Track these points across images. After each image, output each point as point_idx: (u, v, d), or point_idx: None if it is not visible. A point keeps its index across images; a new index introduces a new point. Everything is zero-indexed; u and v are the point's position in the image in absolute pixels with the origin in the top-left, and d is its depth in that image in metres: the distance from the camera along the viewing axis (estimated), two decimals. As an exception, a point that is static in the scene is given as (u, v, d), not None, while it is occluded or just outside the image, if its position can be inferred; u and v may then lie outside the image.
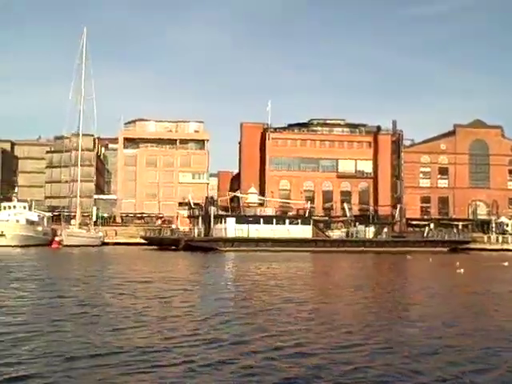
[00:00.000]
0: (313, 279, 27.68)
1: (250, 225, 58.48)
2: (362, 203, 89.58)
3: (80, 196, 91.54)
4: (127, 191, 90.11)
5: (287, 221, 60.83)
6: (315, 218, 65.15)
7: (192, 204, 65.71)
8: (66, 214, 74.79)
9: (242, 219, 58.86)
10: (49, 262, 38.91)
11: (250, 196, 73.10)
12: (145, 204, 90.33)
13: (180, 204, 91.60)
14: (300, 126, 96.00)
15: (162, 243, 61.23)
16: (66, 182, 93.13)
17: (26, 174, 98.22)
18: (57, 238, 63.83)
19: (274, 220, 60.36)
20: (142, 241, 72.17)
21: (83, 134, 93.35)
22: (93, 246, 63.93)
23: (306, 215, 62.57)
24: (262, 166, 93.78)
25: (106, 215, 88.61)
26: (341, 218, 69.55)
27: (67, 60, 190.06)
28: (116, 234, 73.99)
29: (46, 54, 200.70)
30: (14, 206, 61.86)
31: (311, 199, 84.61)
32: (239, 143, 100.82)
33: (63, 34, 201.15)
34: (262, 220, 59.60)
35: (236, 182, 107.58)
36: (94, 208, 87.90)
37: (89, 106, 74.52)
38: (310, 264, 41.49)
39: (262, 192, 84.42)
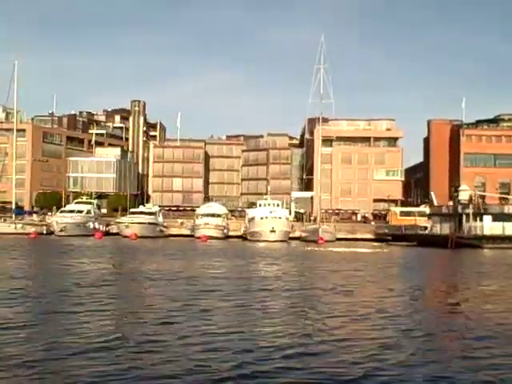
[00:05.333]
0: None
1: (505, 222, 59.53)
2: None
3: (278, 193, 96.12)
4: (323, 188, 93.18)
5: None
6: None
7: (435, 201, 67.47)
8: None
9: (498, 217, 60.01)
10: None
11: (462, 193, 73.92)
12: (340, 200, 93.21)
13: (374, 200, 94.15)
14: (489, 121, 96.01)
15: (411, 240, 63.09)
16: (265, 179, 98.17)
17: (216, 172, 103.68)
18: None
19: (527, 218, 60.94)
20: (365, 236, 74.91)
21: (280, 134, 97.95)
22: (332, 241, 66.88)
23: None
24: (451, 163, 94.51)
25: (302, 211, 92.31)
26: None
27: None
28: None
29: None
30: (269, 204, 65.98)
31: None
32: (424, 140, 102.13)
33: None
34: (516, 218, 60.39)
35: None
36: (293, 204, 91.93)
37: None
38: None
39: (455, 189, 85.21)
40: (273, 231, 59.47)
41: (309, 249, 48.81)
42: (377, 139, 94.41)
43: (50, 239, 56.47)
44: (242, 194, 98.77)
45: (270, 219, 60.61)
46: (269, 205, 65.77)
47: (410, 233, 65.64)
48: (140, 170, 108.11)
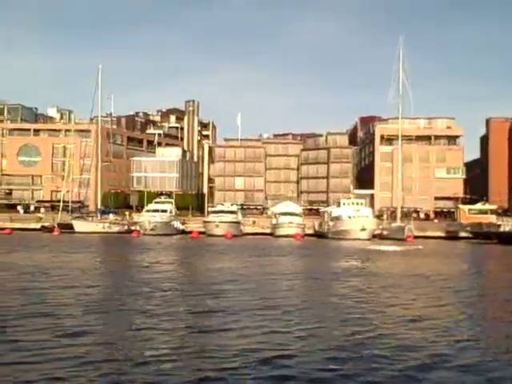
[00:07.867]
0: None
1: None
2: None
3: (337, 192, 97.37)
4: (384, 186, 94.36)
5: None
6: None
7: None
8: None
9: None
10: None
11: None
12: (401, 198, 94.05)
13: (436, 198, 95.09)
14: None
15: (491, 237, 63.72)
16: (324, 178, 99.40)
17: (273, 171, 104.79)
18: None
19: None
20: (436, 234, 75.66)
21: (339, 133, 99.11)
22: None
23: None
24: (511, 161, 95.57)
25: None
26: None
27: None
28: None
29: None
30: (353, 203, 67.15)
31: None
32: (481, 138, 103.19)
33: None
34: None
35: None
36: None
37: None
38: None
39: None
40: (363, 229, 60.58)
41: (417, 247, 49.80)
42: (437, 137, 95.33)
43: (148, 239, 57.84)
44: (301, 192, 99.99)
45: (360, 218, 61.76)
46: (352, 203, 66.91)
47: (493, 230, 66.39)
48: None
